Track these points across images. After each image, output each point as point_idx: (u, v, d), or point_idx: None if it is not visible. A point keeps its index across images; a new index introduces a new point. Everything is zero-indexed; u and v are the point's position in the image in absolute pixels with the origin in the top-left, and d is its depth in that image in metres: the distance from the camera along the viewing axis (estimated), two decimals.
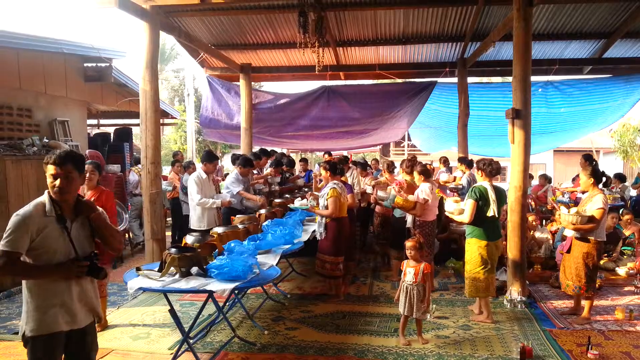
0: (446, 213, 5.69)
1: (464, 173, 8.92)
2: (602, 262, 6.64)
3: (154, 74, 6.61)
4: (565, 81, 10.87)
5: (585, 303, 5.23)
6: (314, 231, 5.99)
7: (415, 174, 6.40)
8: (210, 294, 3.86)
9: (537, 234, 7.49)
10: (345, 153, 15.48)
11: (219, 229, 5.10)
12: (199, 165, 8.58)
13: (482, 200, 5.06)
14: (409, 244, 4.65)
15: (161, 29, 6.93)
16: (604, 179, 5.32)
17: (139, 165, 7.40)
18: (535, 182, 11.38)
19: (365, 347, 4.48)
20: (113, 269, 7.13)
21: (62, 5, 67.31)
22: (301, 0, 7.11)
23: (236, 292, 4.65)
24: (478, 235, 5.11)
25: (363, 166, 9.12)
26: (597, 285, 5.50)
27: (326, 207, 5.72)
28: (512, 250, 5.78)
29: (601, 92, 10.71)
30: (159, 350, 4.43)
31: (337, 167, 6.08)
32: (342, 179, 6.66)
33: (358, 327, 5.01)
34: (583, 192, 8.33)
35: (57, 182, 2.61)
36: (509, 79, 6.20)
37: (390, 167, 7.98)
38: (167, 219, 9.41)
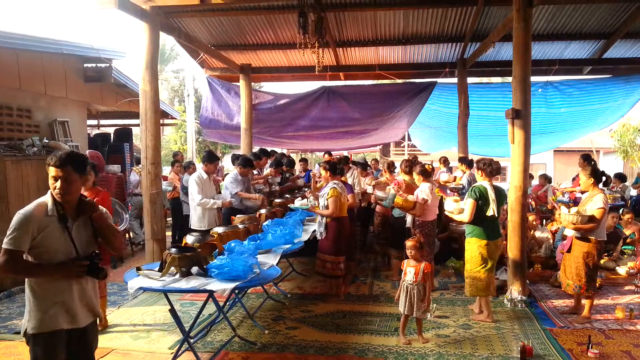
0: (446, 212, 5.70)
1: (464, 173, 8.93)
2: (602, 261, 6.65)
3: (154, 74, 6.62)
4: (565, 81, 10.88)
5: (585, 302, 5.23)
6: (314, 231, 6.00)
7: (415, 174, 6.40)
8: (211, 293, 3.87)
9: (538, 234, 7.50)
10: (345, 153, 15.48)
11: (219, 229, 5.11)
12: (199, 166, 8.58)
13: (481, 200, 5.07)
14: (409, 243, 4.65)
15: (161, 30, 6.93)
16: (603, 178, 5.32)
17: (140, 165, 7.40)
18: (535, 182, 11.39)
19: (365, 347, 4.48)
20: (113, 268, 7.13)
21: (61, 6, 67.38)
22: (301, 1, 7.12)
23: (236, 291, 4.65)
24: (478, 235, 5.12)
25: (363, 166, 9.13)
26: (597, 284, 5.50)
27: (326, 207, 5.73)
28: (513, 249, 5.78)
29: (601, 93, 10.72)
30: (159, 350, 4.44)
31: (337, 167, 6.09)
32: (342, 179, 6.66)
33: (358, 326, 5.01)
34: (582, 192, 8.35)
35: (58, 184, 2.63)
36: (509, 79, 6.21)
37: (391, 167, 7.98)
38: (167, 219, 9.42)
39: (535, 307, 5.61)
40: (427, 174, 6.22)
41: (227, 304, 5.15)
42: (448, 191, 8.49)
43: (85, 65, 9.14)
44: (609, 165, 22.31)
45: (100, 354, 4.25)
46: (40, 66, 8.09)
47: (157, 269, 4.00)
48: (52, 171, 2.64)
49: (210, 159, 6.64)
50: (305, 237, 5.81)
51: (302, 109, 11.34)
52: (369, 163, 10.56)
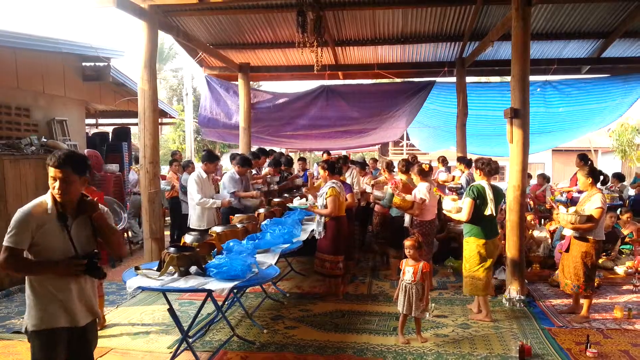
0: (444, 211, 5.70)
1: (463, 172, 8.93)
2: (600, 261, 6.66)
3: (153, 73, 6.61)
4: (564, 81, 10.88)
5: (583, 302, 5.24)
6: (313, 230, 5.99)
7: (413, 175, 6.41)
8: (209, 293, 3.86)
9: (536, 233, 7.51)
10: (344, 152, 15.48)
11: (218, 228, 5.10)
12: (197, 165, 8.58)
13: (479, 199, 5.07)
14: (407, 243, 4.65)
15: (160, 29, 6.92)
16: (601, 177, 5.33)
17: (139, 164, 7.39)
18: (533, 181, 11.40)
19: (364, 346, 4.48)
20: (112, 268, 7.13)
21: (60, 5, 67.25)
22: (299, 0, 7.11)
23: (235, 291, 4.64)
24: (476, 234, 5.13)
25: (361, 165, 9.12)
26: (595, 284, 5.51)
27: (325, 206, 5.73)
28: (511, 249, 5.79)
29: (599, 92, 10.73)
30: (158, 349, 4.43)
31: (335, 167, 6.09)
32: (341, 178, 6.66)
33: (357, 325, 5.02)
34: (579, 192, 8.37)
35: (57, 184, 2.63)
36: (508, 78, 6.22)
37: (390, 166, 7.99)
38: (166, 219, 9.41)
39: (533, 306, 5.62)
40: (424, 173, 6.22)
41: (226, 303, 5.14)
42: (447, 190, 8.50)
43: (83, 64, 9.13)
44: (607, 164, 22.34)
45: (99, 353, 4.24)
46: (38, 65, 8.08)
47: (155, 268, 4.00)
48: (51, 171, 2.64)
49: (210, 158, 6.63)
50: (304, 236, 5.81)
51: (300, 108, 11.34)
52: (367, 162, 10.56)
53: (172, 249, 3.99)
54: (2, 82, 7.40)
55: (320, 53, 7.40)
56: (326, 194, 5.75)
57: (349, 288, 6.40)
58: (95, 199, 2.79)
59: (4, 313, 5.43)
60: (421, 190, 6.10)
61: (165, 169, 11.49)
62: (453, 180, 9.16)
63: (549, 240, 7.54)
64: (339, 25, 9.16)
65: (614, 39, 9.23)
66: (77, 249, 2.69)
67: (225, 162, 20.47)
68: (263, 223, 5.81)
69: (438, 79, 10.70)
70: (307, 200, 6.62)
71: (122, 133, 11.38)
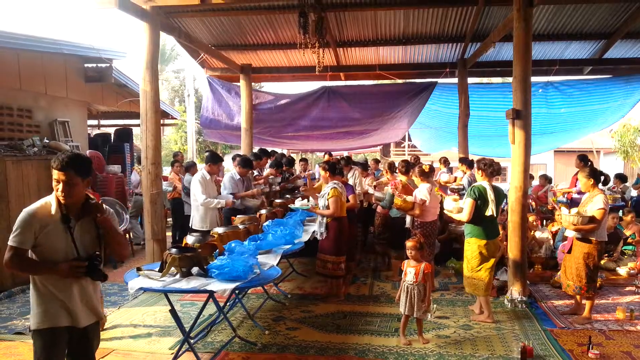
0: (445, 211, 5.70)
1: (465, 173, 8.92)
2: (602, 262, 6.64)
3: (154, 74, 6.62)
4: (566, 82, 10.87)
5: (586, 303, 5.23)
6: (314, 232, 5.99)
7: (414, 177, 6.40)
8: (211, 294, 3.86)
9: (538, 234, 7.49)
10: (345, 154, 15.47)
11: (220, 229, 5.10)
12: (199, 166, 8.58)
13: (480, 200, 5.07)
14: (409, 244, 4.65)
15: (161, 30, 6.93)
16: (602, 178, 5.31)
17: (141, 165, 7.40)
18: (535, 182, 11.39)
19: (366, 347, 4.48)
20: (114, 269, 7.13)
21: (62, 6, 67.40)
22: (301, 1, 7.12)
23: (237, 292, 4.65)
24: (477, 235, 5.13)
25: (363, 166, 9.12)
26: (597, 285, 5.50)
27: (327, 207, 5.72)
28: (513, 250, 5.78)
29: (601, 93, 10.71)
30: (159, 350, 4.44)
31: (335, 167, 6.09)
32: (343, 179, 6.65)
33: (359, 327, 5.01)
34: (579, 193, 8.35)
35: (60, 187, 2.64)
36: (509, 79, 6.20)
37: (392, 167, 7.98)
38: (167, 220, 9.42)
39: (535, 307, 5.61)
40: (425, 174, 6.22)
41: (228, 304, 5.15)
42: (448, 191, 8.49)
43: (85, 65, 9.15)
44: (610, 165, 22.29)
45: (100, 354, 4.25)
46: (40, 66, 8.10)
47: (157, 269, 3.99)
48: (55, 174, 2.65)
49: (214, 159, 6.64)
50: (305, 237, 5.80)
51: (302, 109, 11.34)
52: (369, 164, 10.56)
53: (173, 250, 3.99)
54: (5, 83, 7.42)
55: (321, 54, 7.40)
56: (328, 194, 5.75)
57: (350, 289, 6.39)
58: (100, 202, 2.79)
59: (5, 314, 5.44)
60: (422, 191, 6.09)
61: (167, 170, 11.50)
62: (455, 181, 9.15)
63: (551, 241, 7.53)
64: (341, 26, 9.16)
65: (616, 40, 9.22)
66: (80, 251, 2.70)
67: (227, 163, 20.50)
68: (265, 224, 5.82)
69: (440, 80, 10.70)
70: (308, 201, 6.62)
71: (124, 134, 11.40)
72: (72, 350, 2.80)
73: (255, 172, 8.04)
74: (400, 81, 11.62)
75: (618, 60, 10.23)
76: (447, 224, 7.73)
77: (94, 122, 13.92)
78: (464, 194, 7.51)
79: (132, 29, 72.78)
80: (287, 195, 8.05)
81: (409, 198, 6.16)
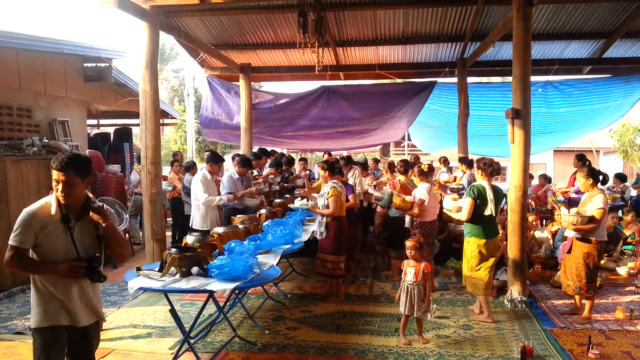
0: (444, 210, 5.71)
1: (465, 173, 8.92)
2: (602, 261, 6.64)
3: (154, 74, 6.61)
4: (565, 81, 10.87)
5: (585, 303, 5.23)
6: (314, 231, 5.99)
7: (413, 177, 6.41)
8: (211, 293, 3.86)
9: (537, 234, 7.49)
10: (345, 153, 15.47)
11: (220, 229, 5.10)
12: (199, 165, 8.57)
13: (479, 199, 5.08)
14: (409, 244, 4.65)
15: (161, 29, 6.93)
16: (600, 177, 5.31)
17: (141, 165, 7.40)
18: (535, 182, 11.38)
19: (366, 347, 4.48)
20: (114, 268, 7.13)
21: (62, 5, 67.33)
22: (301, 0, 7.11)
23: (237, 292, 4.64)
24: (477, 234, 5.14)
25: (363, 166, 9.12)
26: (597, 284, 5.50)
27: (327, 207, 5.72)
28: (513, 250, 5.78)
29: (601, 92, 10.72)
30: (159, 350, 4.43)
31: (335, 167, 6.09)
32: (343, 179, 6.64)
33: (359, 326, 5.01)
34: (577, 192, 8.35)
35: (60, 187, 2.65)
36: (509, 79, 6.20)
37: (392, 167, 7.97)
38: (167, 219, 9.42)
39: (535, 307, 5.61)
40: (424, 174, 6.22)
41: (227, 304, 5.15)
42: (448, 191, 8.49)
43: (85, 64, 9.14)
44: (609, 165, 22.31)
45: (100, 354, 4.25)
46: (40, 66, 8.09)
47: (157, 269, 3.99)
48: (54, 174, 2.65)
49: (215, 159, 6.63)
50: (305, 237, 5.80)
51: (302, 108, 11.34)
52: (369, 163, 10.55)
53: (173, 250, 3.98)
54: (4, 83, 7.40)
55: (321, 53, 7.40)
56: (327, 194, 5.75)
57: (350, 289, 6.40)
58: (103, 205, 2.79)
59: (5, 314, 5.43)
60: (421, 191, 6.10)
61: (166, 170, 11.51)
62: (455, 180, 9.15)
63: (551, 241, 7.52)
64: (340, 25, 9.16)
65: (616, 39, 9.23)
66: (79, 251, 2.71)
67: (227, 162, 20.49)
68: (264, 224, 5.82)
69: (439, 80, 10.70)
70: (308, 200, 6.62)
71: (124, 134, 11.38)
72: (72, 350, 2.82)
73: (255, 172, 8.03)
74: (399, 81, 11.62)
75: (617, 60, 10.23)
76: (447, 224, 7.73)
77: (94, 121, 13.91)
78: (463, 194, 7.52)
79: (132, 29, 72.71)
80: (287, 195, 8.05)
81: (408, 198, 6.16)
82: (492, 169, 5.21)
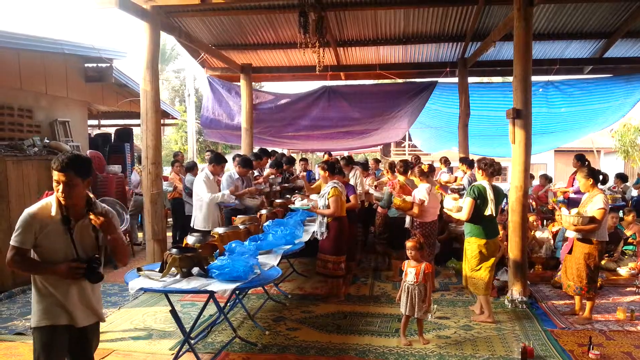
0: (445, 210, 5.70)
1: (465, 173, 8.91)
2: (603, 262, 6.63)
3: (155, 74, 6.62)
4: (566, 81, 10.87)
5: (586, 303, 5.22)
6: (314, 232, 5.98)
7: (414, 177, 6.40)
8: (212, 294, 3.86)
9: (538, 234, 7.49)
10: (345, 153, 15.47)
11: (220, 230, 5.10)
12: (200, 166, 8.57)
13: (480, 199, 5.08)
14: (409, 244, 4.64)
15: (162, 29, 6.93)
16: (600, 177, 5.31)
17: (141, 165, 7.41)
18: (536, 182, 11.37)
19: (366, 348, 4.48)
20: (114, 269, 7.13)
21: (62, 6, 67.38)
22: (301, 1, 7.11)
23: (237, 292, 4.64)
24: (477, 234, 5.13)
25: (364, 166, 9.11)
26: (598, 285, 5.50)
27: (327, 207, 5.72)
28: (513, 250, 5.77)
29: (602, 92, 10.71)
30: (160, 351, 4.44)
31: (335, 167, 6.09)
32: (344, 180, 6.64)
33: (359, 327, 5.01)
34: (576, 193, 8.34)
35: (60, 188, 2.66)
36: (510, 78, 6.20)
37: (393, 167, 7.96)
38: (168, 220, 9.43)
39: (536, 308, 5.61)
40: (424, 174, 6.22)
41: (228, 304, 5.14)
42: (449, 191, 8.48)
43: (86, 65, 9.14)
44: (610, 165, 22.27)
45: (101, 354, 4.26)
46: (41, 66, 8.10)
47: (158, 269, 3.99)
48: (55, 175, 2.66)
49: (218, 160, 6.63)
50: (305, 237, 5.80)
51: (302, 108, 11.34)
52: (369, 163, 10.55)
53: (174, 250, 3.98)
54: (5, 83, 7.41)
55: (322, 54, 7.40)
56: (328, 194, 5.75)
57: (351, 289, 6.39)
58: (110, 218, 2.77)
59: (6, 314, 5.44)
60: (421, 191, 6.09)
61: (167, 170, 11.51)
62: (455, 181, 9.14)
63: (551, 242, 7.51)
64: (341, 25, 9.16)
65: (616, 39, 9.22)
66: (79, 252, 2.72)
67: (228, 163, 20.47)
68: (265, 224, 5.81)
69: (440, 80, 10.70)
70: (308, 200, 6.61)
71: (125, 134, 11.39)
72: (71, 350, 2.84)
73: (256, 172, 8.03)
74: (400, 81, 11.62)
75: (618, 60, 10.22)
76: (447, 224, 7.72)
77: (95, 122, 13.91)
78: (464, 194, 7.52)
79: (133, 29, 72.76)
80: (288, 196, 8.05)
81: (408, 198, 6.15)
82: (493, 169, 5.21)
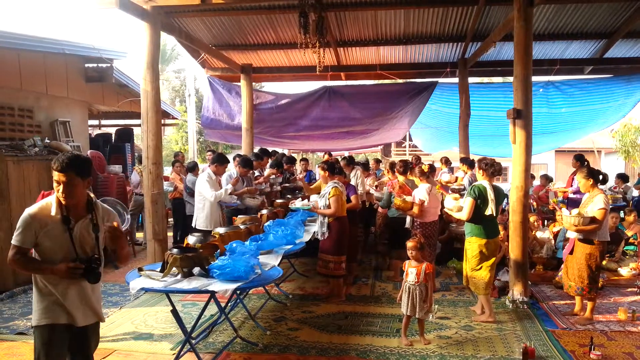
0: (445, 209, 5.71)
1: (466, 173, 8.92)
2: (604, 262, 6.63)
3: (155, 74, 6.61)
4: (566, 81, 10.86)
5: (587, 303, 5.22)
6: (315, 232, 5.98)
7: (414, 178, 6.41)
8: (212, 294, 3.87)
9: (539, 234, 7.48)
10: (346, 153, 15.48)
11: (221, 230, 5.11)
12: (201, 166, 8.57)
13: (480, 199, 5.08)
14: (410, 244, 4.64)
15: (162, 30, 6.93)
16: (600, 177, 5.30)
17: (142, 165, 7.40)
18: (536, 182, 11.37)
19: (367, 348, 4.48)
20: (115, 269, 7.13)
21: (63, 6, 67.41)
22: (302, 1, 7.10)
23: (238, 292, 4.64)
24: (478, 234, 5.14)
25: (364, 166, 9.12)
26: (599, 285, 5.49)
27: (328, 207, 5.72)
28: (514, 250, 5.77)
29: (602, 92, 10.71)
30: (161, 351, 4.43)
31: (334, 167, 6.09)
32: (346, 180, 6.64)
33: (360, 327, 5.01)
34: (575, 193, 8.34)
35: (61, 188, 2.67)
36: (510, 79, 6.20)
37: (393, 167, 7.97)
38: (168, 220, 9.42)
39: (537, 308, 5.60)
40: (425, 174, 6.22)
41: (229, 304, 5.14)
42: (449, 191, 8.49)
43: (86, 65, 9.15)
44: (611, 165, 22.27)
45: (102, 354, 4.26)
46: (41, 66, 8.10)
47: (159, 269, 3.99)
48: (55, 175, 2.68)
49: (221, 161, 6.64)
50: (306, 237, 5.80)
51: (303, 108, 11.33)
52: (370, 163, 10.56)
53: (175, 250, 3.98)
54: (6, 83, 7.42)
55: (322, 54, 7.38)
56: (329, 194, 5.75)
57: (351, 289, 6.39)
58: (120, 230, 2.81)
59: (7, 314, 5.44)
60: (420, 191, 6.10)
61: (167, 170, 11.52)
62: (456, 181, 9.15)
63: (552, 242, 7.51)
64: (341, 26, 9.15)
65: (617, 39, 9.22)
66: (78, 252, 2.73)
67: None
68: (266, 224, 5.81)
69: (440, 80, 10.70)
70: (309, 201, 6.61)
71: (125, 134, 11.40)
72: (71, 349, 2.86)
73: (257, 173, 8.03)
74: (400, 81, 11.62)
75: (619, 60, 10.22)
76: (448, 224, 7.72)
77: (95, 122, 13.92)
78: (464, 194, 7.52)
79: (133, 29, 72.80)
80: (288, 196, 8.05)
81: (408, 198, 6.15)
82: (494, 169, 5.21)
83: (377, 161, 11.78)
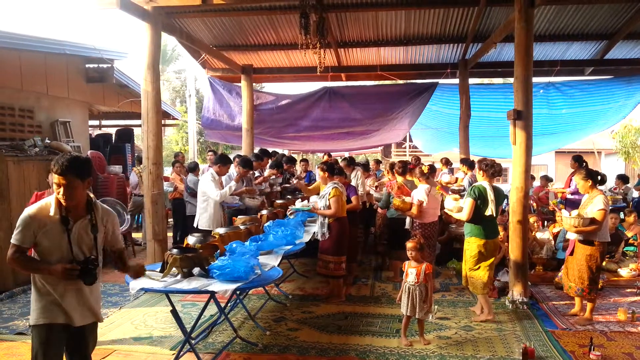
0: (445, 210, 5.71)
1: (466, 174, 8.92)
2: (604, 263, 6.63)
3: (156, 74, 6.62)
4: (567, 82, 10.86)
5: (587, 304, 5.22)
6: (315, 232, 5.98)
7: (414, 178, 6.41)
8: (212, 294, 3.87)
9: (539, 235, 7.48)
10: (346, 154, 15.48)
11: (221, 230, 5.11)
12: (202, 167, 8.58)
13: (480, 200, 5.08)
14: (409, 245, 4.64)
15: (162, 30, 6.94)
16: (598, 177, 5.30)
17: (141, 166, 7.41)
18: (536, 183, 11.37)
19: (367, 348, 4.48)
20: (115, 269, 7.13)
21: (63, 6, 67.48)
22: (302, 2, 7.11)
23: (238, 292, 4.63)
24: (477, 234, 5.14)
25: (364, 167, 9.11)
26: (599, 286, 5.49)
27: (328, 207, 5.72)
28: (514, 251, 5.77)
29: (603, 94, 10.71)
30: (160, 351, 4.44)
31: (334, 167, 6.09)
32: (346, 181, 6.64)
33: (360, 327, 5.01)
34: (573, 194, 8.34)
35: (61, 190, 2.68)
36: (511, 80, 6.20)
37: (393, 168, 7.96)
38: (168, 220, 9.43)
39: (537, 308, 5.60)
40: (424, 175, 6.22)
41: (229, 305, 5.14)
42: (449, 192, 8.49)
43: (87, 65, 9.16)
44: (611, 166, 22.27)
45: (101, 354, 4.26)
46: (42, 66, 8.11)
47: (158, 269, 3.99)
48: (55, 178, 2.69)
49: (224, 161, 6.63)
50: (306, 238, 5.80)
51: (303, 109, 11.34)
52: (370, 164, 10.56)
53: (175, 251, 3.99)
54: (6, 84, 7.42)
55: (323, 55, 7.39)
56: (329, 194, 5.75)
57: (351, 290, 6.39)
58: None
59: (7, 314, 5.44)
60: (419, 192, 6.10)
61: (167, 171, 11.53)
62: (456, 181, 9.15)
63: (552, 242, 7.51)
64: (342, 26, 9.16)
65: (617, 41, 9.22)
66: (75, 253, 2.74)
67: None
68: (266, 224, 5.81)
69: (441, 81, 10.70)
70: (308, 201, 6.61)
71: (125, 134, 11.41)
72: (69, 348, 2.88)
73: (257, 173, 8.02)
74: (401, 82, 11.62)
75: (619, 61, 10.22)
76: (448, 225, 7.72)
77: (95, 122, 13.93)
78: (464, 195, 7.52)
79: (134, 30, 72.82)
80: (289, 196, 8.05)
81: (408, 199, 6.16)
82: (494, 170, 5.21)
83: (377, 162, 11.78)
